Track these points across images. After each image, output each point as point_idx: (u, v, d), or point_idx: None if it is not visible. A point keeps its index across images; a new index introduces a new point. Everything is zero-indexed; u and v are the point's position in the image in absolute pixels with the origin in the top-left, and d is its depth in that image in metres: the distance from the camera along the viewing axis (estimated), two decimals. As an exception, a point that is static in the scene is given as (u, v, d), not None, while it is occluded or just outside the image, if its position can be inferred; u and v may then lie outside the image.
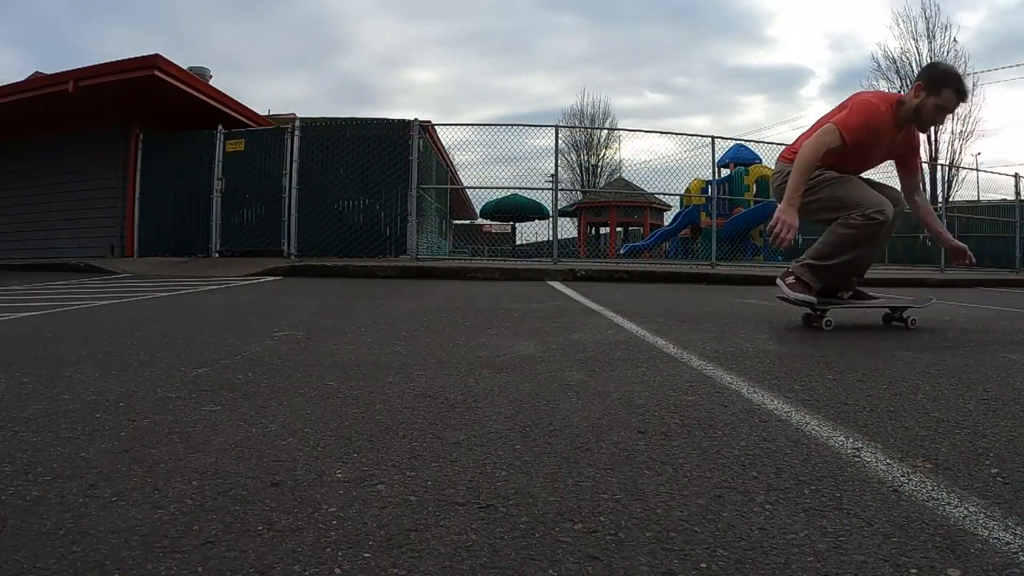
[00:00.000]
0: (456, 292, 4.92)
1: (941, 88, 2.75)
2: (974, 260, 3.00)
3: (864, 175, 3.11)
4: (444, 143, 10.79)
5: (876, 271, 9.86)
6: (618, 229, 21.12)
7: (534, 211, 15.37)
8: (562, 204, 14.73)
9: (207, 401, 1.45)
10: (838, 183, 2.92)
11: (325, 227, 8.42)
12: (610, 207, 19.50)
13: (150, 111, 9.18)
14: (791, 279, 2.97)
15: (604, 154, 31.46)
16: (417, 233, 8.29)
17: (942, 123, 2.97)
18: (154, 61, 8.00)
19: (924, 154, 21.86)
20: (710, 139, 9.08)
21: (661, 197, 15.03)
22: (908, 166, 3.08)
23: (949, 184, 21.14)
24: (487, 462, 1.08)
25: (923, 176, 3.67)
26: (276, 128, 9.10)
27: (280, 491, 0.94)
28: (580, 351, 2.22)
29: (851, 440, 1.23)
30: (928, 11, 22.10)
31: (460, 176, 12.35)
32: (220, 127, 8.73)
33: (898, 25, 28.50)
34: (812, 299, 2.91)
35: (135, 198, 9.13)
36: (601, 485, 0.99)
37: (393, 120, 8.80)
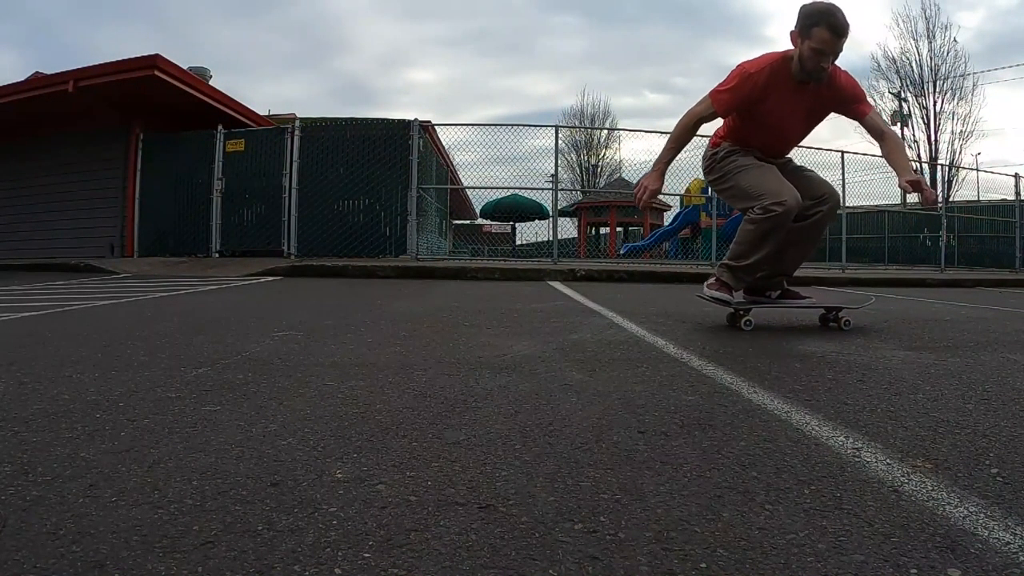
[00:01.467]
0: (456, 292, 4.92)
1: (811, 29, 2.52)
2: (932, 197, 2.68)
3: (807, 166, 2.98)
4: (444, 143, 10.80)
5: (876, 271, 9.88)
6: (618, 229, 21.12)
7: (534, 211, 15.36)
8: (562, 204, 14.73)
9: (207, 401, 1.45)
10: (745, 172, 2.83)
11: (325, 227, 8.42)
12: (610, 207, 19.50)
13: (150, 111, 9.18)
14: (712, 280, 2.94)
15: (604, 154, 31.49)
16: (417, 233, 8.30)
17: (827, 66, 2.57)
18: (154, 61, 8.01)
19: (924, 154, 21.92)
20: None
21: (661, 197, 15.02)
22: (857, 115, 2.77)
23: (949, 184, 21.15)
24: (487, 462, 1.08)
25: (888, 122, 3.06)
26: (276, 128, 9.11)
27: (280, 491, 0.94)
28: (580, 351, 2.22)
29: (851, 440, 1.23)
30: (928, 11, 22.13)
31: (460, 176, 12.35)
32: (220, 127, 8.74)
33: (898, 25, 28.52)
34: (727, 297, 2.87)
35: (135, 198, 9.14)
36: (601, 485, 0.99)
37: (393, 120, 8.82)
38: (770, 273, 2.97)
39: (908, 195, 2.72)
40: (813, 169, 3.09)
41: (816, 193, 2.85)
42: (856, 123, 2.81)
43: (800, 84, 2.66)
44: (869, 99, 2.83)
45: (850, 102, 2.76)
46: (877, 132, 2.76)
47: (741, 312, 2.89)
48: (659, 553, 0.77)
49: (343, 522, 0.84)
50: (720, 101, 2.69)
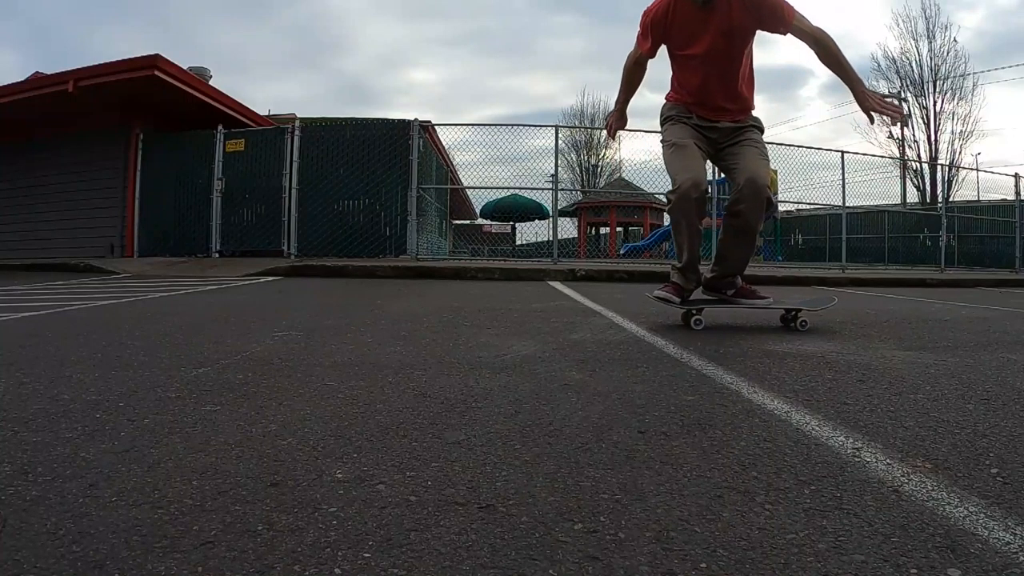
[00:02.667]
0: (456, 292, 4.92)
1: None
2: (899, 114, 2.57)
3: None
4: (444, 143, 10.80)
5: (876, 271, 9.88)
6: (618, 229, 21.12)
7: (534, 211, 15.38)
8: (562, 204, 14.74)
9: (207, 401, 1.45)
10: (665, 150, 2.87)
11: (325, 227, 8.42)
12: (610, 207, 19.50)
13: (150, 111, 9.19)
14: (667, 281, 2.97)
15: (604, 154, 31.50)
16: (417, 233, 8.29)
17: None
18: (154, 61, 8.01)
19: (924, 154, 21.90)
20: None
21: (661, 197, 15.03)
22: (783, 22, 2.58)
23: (949, 184, 21.14)
24: (487, 462, 1.08)
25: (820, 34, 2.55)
26: (276, 128, 9.11)
27: (280, 491, 0.94)
28: (580, 351, 2.22)
29: (851, 440, 1.23)
30: (928, 11, 22.13)
31: (460, 176, 12.35)
32: (220, 127, 8.74)
33: (898, 25, 28.52)
34: (670, 296, 2.89)
35: (135, 198, 9.14)
36: (601, 485, 0.99)
37: (393, 120, 8.82)
38: (720, 273, 2.94)
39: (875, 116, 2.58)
40: (763, 147, 2.86)
41: (738, 181, 2.72)
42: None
43: (704, 7, 2.59)
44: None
45: (768, 11, 2.58)
46: (809, 38, 2.59)
47: (693, 311, 2.87)
48: (659, 553, 0.77)
49: (343, 522, 0.84)
50: (639, 44, 2.83)
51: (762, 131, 2.92)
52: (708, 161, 2.94)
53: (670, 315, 3.38)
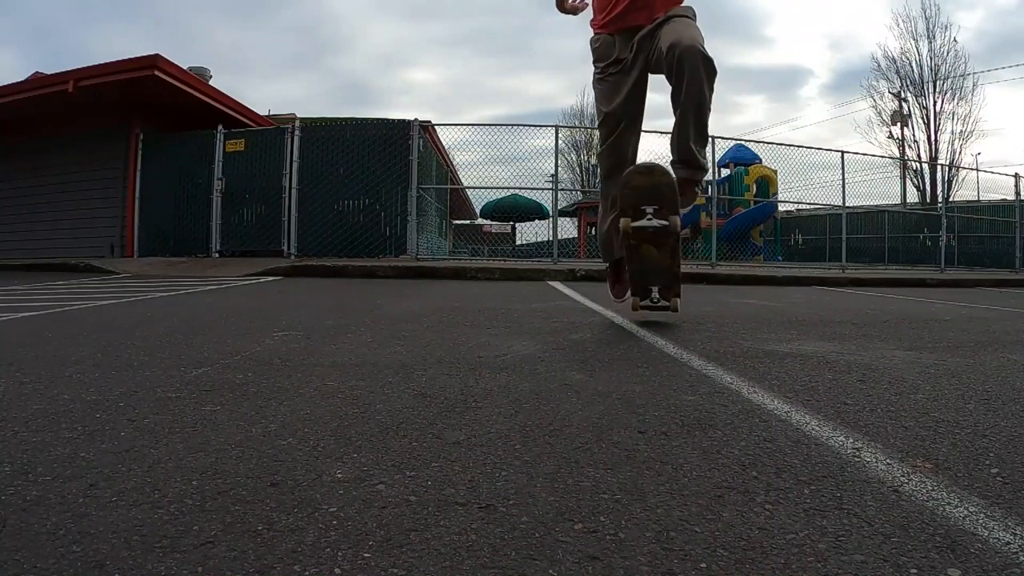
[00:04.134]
0: (456, 292, 4.92)
1: None
2: None
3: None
4: (444, 143, 10.80)
5: (876, 271, 9.88)
6: (618, 229, 21.07)
7: (534, 211, 15.38)
8: (562, 204, 14.73)
9: (207, 401, 1.45)
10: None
11: (325, 227, 8.43)
12: (610, 207, 19.45)
13: (150, 111, 9.19)
14: (610, 287, 3.07)
15: (604, 154, 31.40)
16: (417, 233, 8.30)
17: None
18: (154, 61, 8.01)
19: (924, 154, 21.91)
20: (709, 139, 9.06)
21: (661, 197, 15.02)
22: None
23: (949, 184, 21.13)
24: (487, 462, 1.08)
25: None
26: (276, 128, 9.12)
27: (280, 491, 0.94)
28: (580, 351, 2.22)
29: (851, 440, 1.23)
30: (928, 11, 22.10)
31: (460, 176, 12.36)
32: (220, 127, 8.74)
33: (898, 25, 28.50)
34: (619, 297, 3.03)
35: (135, 198, 9.15)
36: (601, 485, 0.99)
37: (393, 120, 8.82)
38: (678, 158, 2.61)
39: None
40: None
41: (663, 53, 2.46)
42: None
43: None
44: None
45: None
46: None
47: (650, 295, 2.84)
48: (659, 553, 0.77)
49: (343, 522, 0.84)
50: None
51: (691, 16, 2.63)
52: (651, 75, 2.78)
53: (670, 316, 3.38)
